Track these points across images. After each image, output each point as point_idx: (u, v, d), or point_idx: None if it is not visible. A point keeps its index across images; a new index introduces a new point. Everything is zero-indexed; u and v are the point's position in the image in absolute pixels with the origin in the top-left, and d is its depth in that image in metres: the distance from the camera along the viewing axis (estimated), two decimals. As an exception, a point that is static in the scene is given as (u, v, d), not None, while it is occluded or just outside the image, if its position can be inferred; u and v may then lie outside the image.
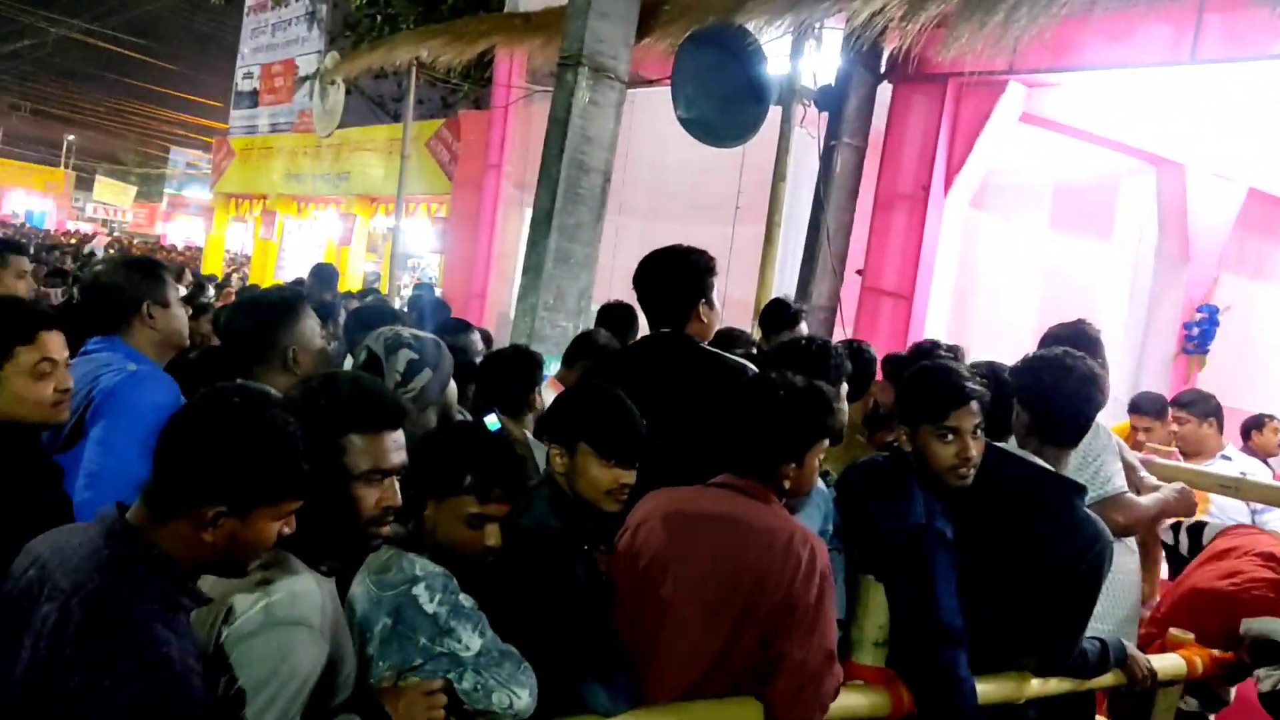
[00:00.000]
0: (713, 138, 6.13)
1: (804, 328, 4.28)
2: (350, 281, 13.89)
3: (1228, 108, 6.20)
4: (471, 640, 2.02)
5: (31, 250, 14.79)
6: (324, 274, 7.70)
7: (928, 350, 3.79)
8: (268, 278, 15.89)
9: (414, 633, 2.01)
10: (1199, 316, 7.36)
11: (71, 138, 39.61)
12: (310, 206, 17.11)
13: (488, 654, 2.03)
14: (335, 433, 1.89)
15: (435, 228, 13.78)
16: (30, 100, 35.46)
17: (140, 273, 2.99)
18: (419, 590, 2.03)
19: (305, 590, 1.81)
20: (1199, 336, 7.23)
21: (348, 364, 4.71)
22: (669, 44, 6.26)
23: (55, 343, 2.40)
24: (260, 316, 2.93)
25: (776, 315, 4.33)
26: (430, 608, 2.02)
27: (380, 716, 1.86)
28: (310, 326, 2.96)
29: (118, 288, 2.90)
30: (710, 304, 3.02)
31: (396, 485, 1.97)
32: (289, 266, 16.94)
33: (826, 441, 2.50)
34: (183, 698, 1.55)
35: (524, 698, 2.04)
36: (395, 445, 1.98)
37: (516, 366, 3.54)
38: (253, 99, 18.04)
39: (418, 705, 1.90)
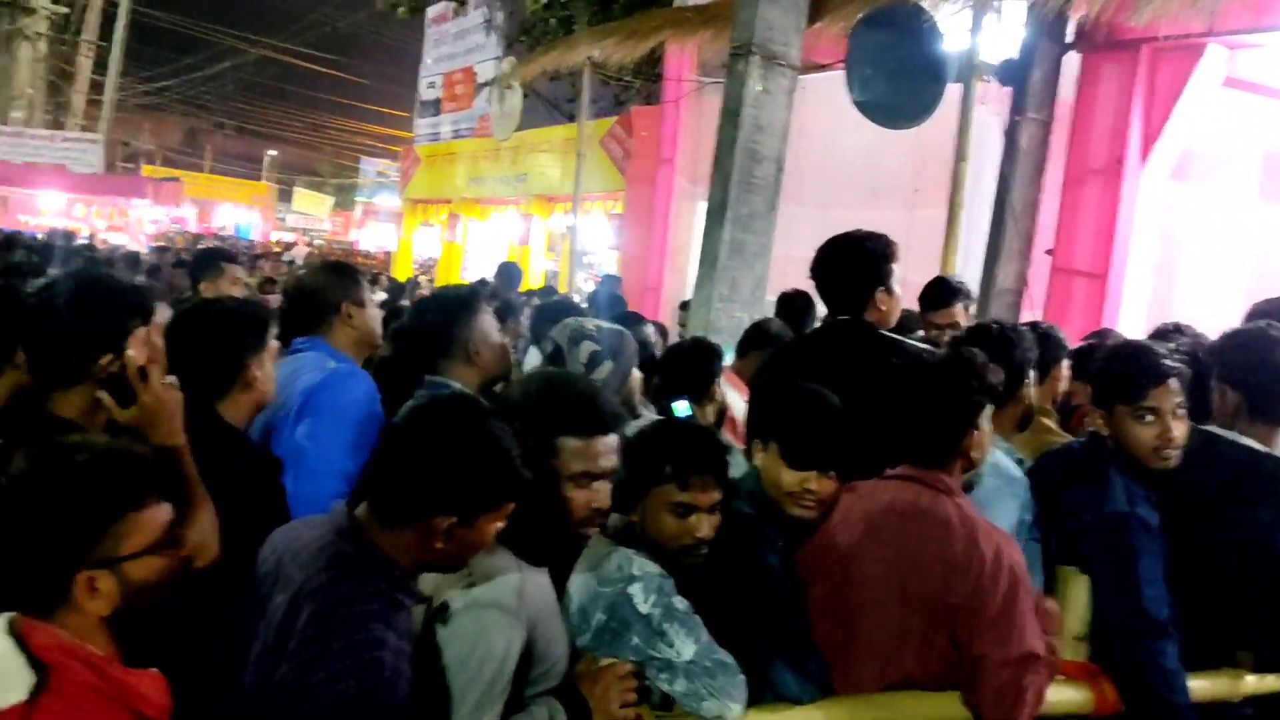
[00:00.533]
0: (889, 120, 5.98)
1: (960, 309, 4.11)
2: (531, 280, 14.27)
3: None
4: (684, 645, 2.04)
5: (243, 260, 15.87)
6: (509, 273, 7.96)
7: (1164, 334, 3.63)
8: (454, 279, 16.51)
9: (627, 631, 2.05)
10: None
11: (273, 153, 42.36)
12: (491, 209, 17.68)
13: (700, 661, 2.04)
14: (550, 435, 1.96)
15: (611, 224, 13.99)
16: (235, 119, 38.14)
17: (339, 275, 3.17)
18: (634, 589, 2.06)
19: (504, 576, 1.88)
20: None
21: (532, 356, 4.92)
22: (841, 27, 6.15)
23: (273, 347, 2.60)
24: (441, 314, 3.07)
25: (931, 295, 4.19)
26: (644, 608, 2.04)
27: (577, 700, 1.91)
28: (488, 321, 3.08)
29: (319, 290, 3.09)
30: (889, 290, 2.95)
31: (607, 488, 2.02)
32: (472, 267, 17.53)
33: (990, 406, 2.40)
34: (386, 699, 1.62)
35: (735, 710, 2.04)
36: (607, 449, 2.03)
37: (696, 358, 3.56)
38: (435, 107, 18.76)
39: (612, 689, 1.94)
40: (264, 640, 1.71)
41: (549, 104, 17.08)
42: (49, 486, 1.55)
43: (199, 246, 18.09)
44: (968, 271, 6.25)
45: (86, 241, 16.32)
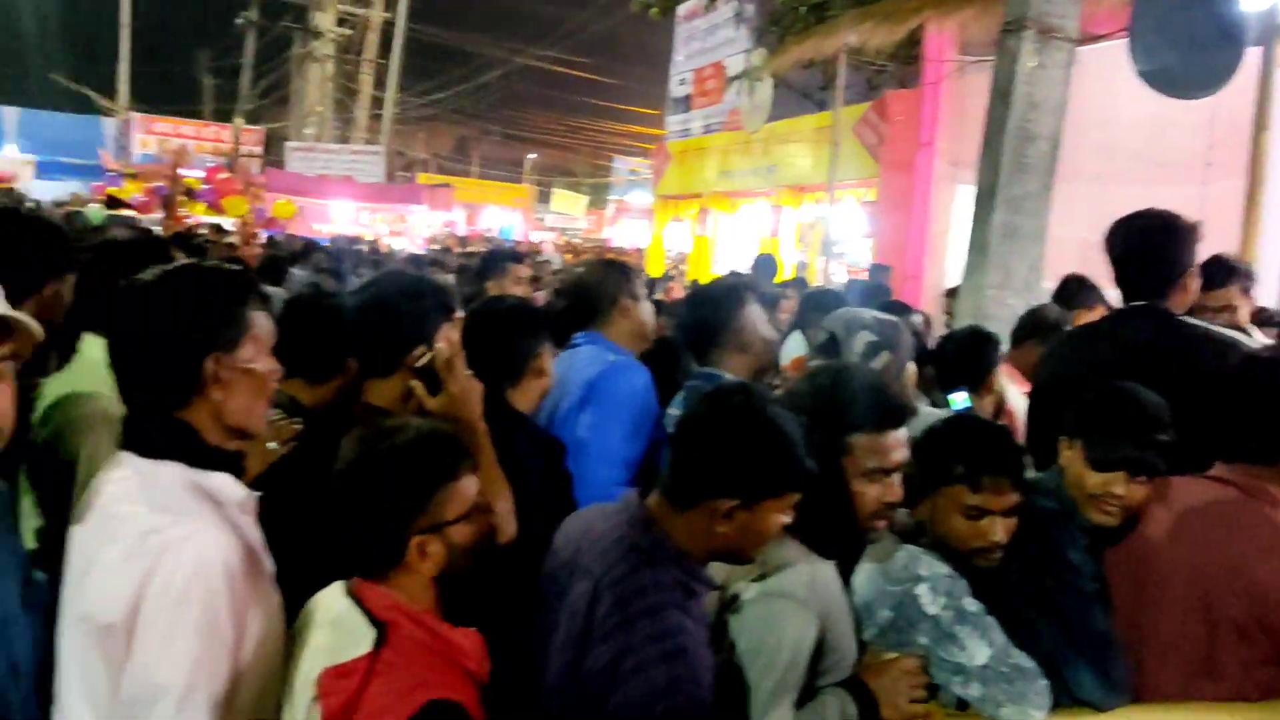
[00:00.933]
0: (1179, 89, 5.52)
1: (1236, 290, 3.66)
2: (782, 273, 14.20)
3: None
4: (976, 649, 1.98)
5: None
6: (765, 265, 7.97)
7: None
8: (704, 273, 16.70)
9: (913, 630, 2.02)
10: None
11: (532, 156, 44.36)
12: (740, 201, 17.74)
13: (995, 666, 1.97)
14: (841, 430, 1.96)
15: (864, 212, 13.70)
16: (500, 125, 40.26)
17: (616, 272, 3.30)
18: (921, 590, 2.03)
19: (795, 567, 1.90)
20: None
21: (791, 347, 4.92)
22: (1122, -6, 5.74)
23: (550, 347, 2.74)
24: (712, 305, 3.14)
25: (1205, 275, 3.76)
26: (931, 609, 2.01)
27: (864, 692, 1.90)
28: (757, 312, 3.12)
29: (598, 286, 3.22)
30: (1196, 274, 2.74)
31: (898, 482, 2.00)
32: (722, 261, 17.67)
33: None
34: (696, 684, 1.67)
35: (1036, 717, 1.96)
36: (898, 443, 2.02)
37: (973, 347, 3.43)
38: (686, 104, 19.02)
39: (900, 683, 1.92)
40: (567, 629, 1.79)
41: (799, 94, 16.91)
42: (382, 462, 1.71)
43: (467, 249, 19.26)
44: (1269, 251, 5.70)
45: (371, 245, 17.72)
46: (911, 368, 2.96)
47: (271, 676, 1.73)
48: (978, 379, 3.35)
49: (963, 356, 3.40)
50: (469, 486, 1.76)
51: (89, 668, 1.64)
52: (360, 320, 2.40)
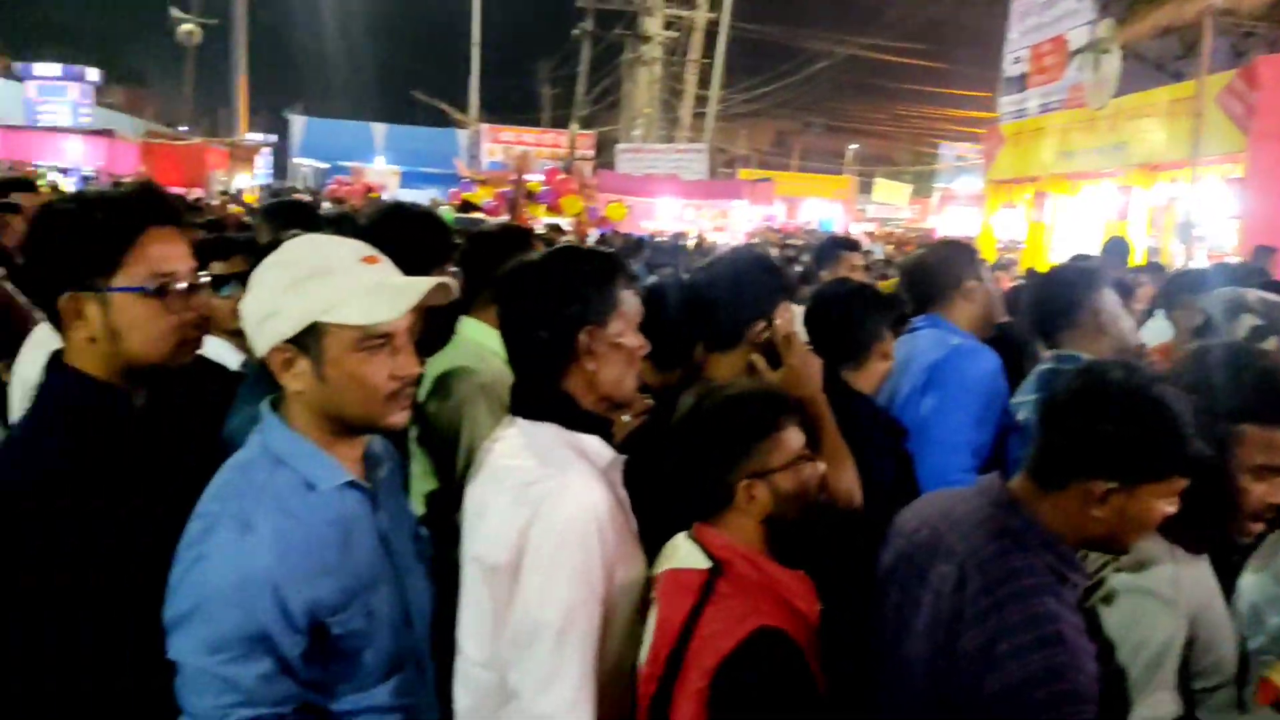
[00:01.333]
0: None
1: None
2: (1134, 257, 13.14)
3: None
4: None
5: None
6: (1118, 249, 7.44)
7: None
8: (1040, 260, 15.76)
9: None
10: None
11: (854, 146, 43.75)
12: (1082, 183, 16.57)
13: None
14: (1231, 419, 1.81)
15: (1229, 190, 12.37)
16: (822, 117, 40.02)
17: (960, 252, 3.20)
18: None
19: (1157, 564, 1.78)
20: None
21: (1154, 331, 4.56)
22: None
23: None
24: (1068, 287, 2.99)
25: None
26: None
27: None
28: (1110, 295, 2.95)
29: (941, 266, 3.15)
30: None
31: None
32: (1059, 248, 16.60)
33: None
34: (1077, 671, 1.59)
35: None
36: None
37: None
38: (1021, 83, 18.06)
39: None
40: (933, 610, 1.75)
41: (1152, 65, 15.54)
42: (710, 413, 1.90)
43: (786, 241, 19.34)
44: None
45: (696, 241, 18.24)
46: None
47: (634, 626, 1.86)
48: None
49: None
50: (792, 438, 1.90)
51: (479, 606, 1.84)
52: (703, 295, 2.52)
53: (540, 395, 1.88)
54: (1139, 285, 5.94)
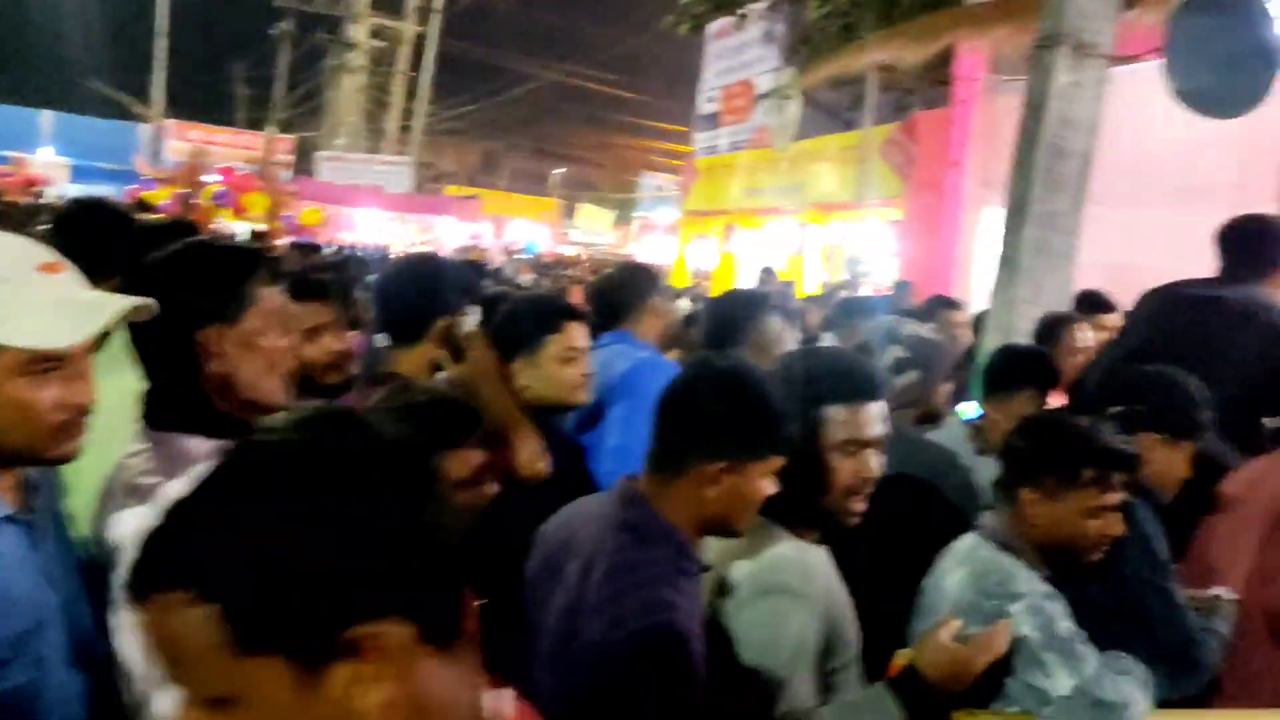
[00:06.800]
0: (1214, 109, 5.49)
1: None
2: (807, 289, 14.20)
3: None
4: (1060, 680, 1.92)
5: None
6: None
7: None
8: (728, 290, 16.68)
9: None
10: None
11: (559, 170, 44.58)
12: (766, 219, 17.76)
13: (1077, 699, 1.90)
14: (814, 403, 1.95)
15: (890, 231, 13.69)
16: (529, 139, 40.47)
17: (645, 271, 3.33)
18: (1017, 609, 1.97)
19: (786, 556, 1.89)
20: None
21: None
22: (1156, 15, 5.73)
23: (579, 332, 2.73)
24: (733, 307, 3.18)
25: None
26: (1024, 630, 1.95)
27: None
28: (774, 318, 3.15)
29: (627, 285, 3.26)
30: None
31: (873, 457, 1.98)
32: (745, 278, 17.70)
33: None
34: (681, 655, 1.65)
35: None
36: (874, 417, 2.00)
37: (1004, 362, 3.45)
38: (714, 120, 19.09)
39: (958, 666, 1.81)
40: (560, 604, 1.79)
41: (827, 113, 16.95)
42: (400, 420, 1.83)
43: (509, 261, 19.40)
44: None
45: (398, 254, 17.89)
46: (945, 389, 2.95)
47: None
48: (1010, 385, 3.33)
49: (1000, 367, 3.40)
50: (471, 456, 1.91)
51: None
52: (387, 293, 2.49)
53: (169, 401, 1.72)
54: (807, 312, 6.43)
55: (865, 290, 12.55)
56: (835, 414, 1.98)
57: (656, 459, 1.84)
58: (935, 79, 12.36)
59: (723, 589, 1.92)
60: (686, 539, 1.79)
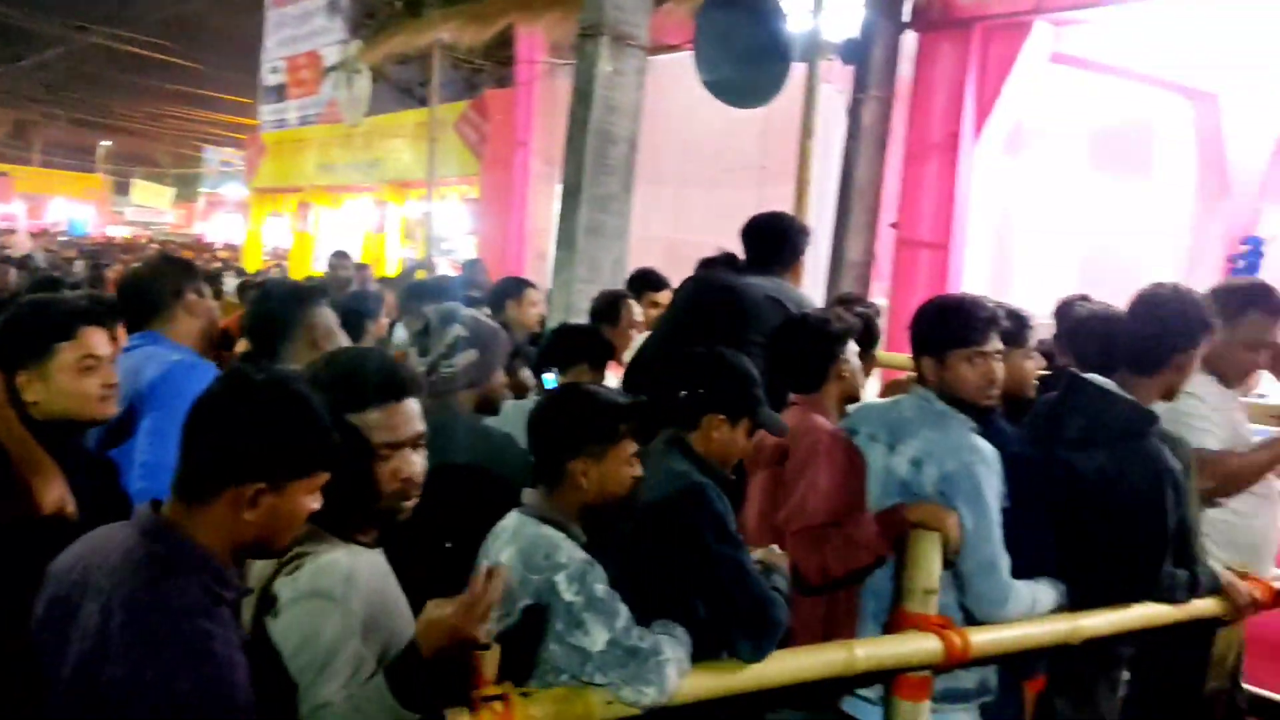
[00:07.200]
0: (738, 99, 6.08)
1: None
2: (389, 269, 14.00)
3: (1261, 33, 6.04)
4: (597, 636, 2.05)
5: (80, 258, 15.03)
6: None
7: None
8: (306, 269, 16.04)
9: (551, 617, 2.06)
10: (1244, 249, 7.22)
11: (106, 143, 40.12)
12: (344, 196, 17.24)
13: (612, 651, 2.05)
14: (345, 410, 1.88)
15: (467, 209, 13.83)
16: (67, 109, 35.91)
17: (176, 265, 3.06)
18: (560, 578, 2.06)
19: (330, 563, 1.82)
20: (1245, 269, 7.10)
21: (398, 336, 4.88)
22: (689, 8, 6.22)
23: (98, 338, 2.44)
24: (279, 301, 3.02)
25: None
26: (567, 596, 2.05)
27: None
28: (325, 311, 3.03)
29: (155, 281, 2.96)
30: None
31: (413, 456, 1.97)
32: (325, 258, 17.11)
33: None
34: (227, 689, 1.55)
35: (650, 694, 2.06)
36: (408, 415, 1.97)
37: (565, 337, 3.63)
38: (280, 93, 18.15)
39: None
40: (79, 650, 1.59)
41: (399, 88, 16.72)
42: None
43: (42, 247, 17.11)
44: (816, 246, 6.44)
45: None
46: (502, 378, 2.97)
47: None
48: (567, 362, 3.49)
49: (556, 345, 3.55)
50: None
51: None
52: None
53: None
54: (386, 294, 6.30)
55: (445, 269, 12.60)
56: (369, 418, 1.93)
57: (185, 482, 1.67)
58: (501, 58, 12.60)
59: (265, 603, 1.81)
60: (222, 564, 1.66)
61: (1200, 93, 7.06)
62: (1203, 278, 7.18)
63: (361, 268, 8.58)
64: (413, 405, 1.99)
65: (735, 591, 2.29)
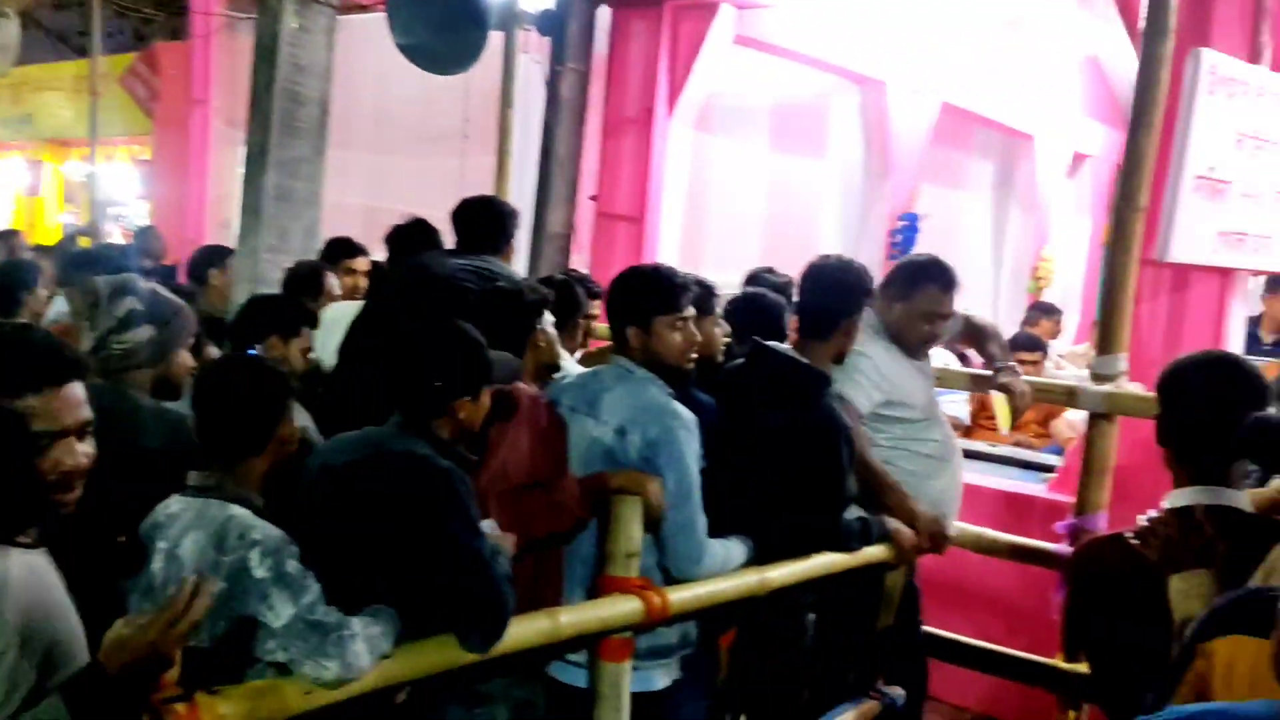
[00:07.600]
0: (434, 65, 5.94)
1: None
2: (48, 235, 12.64)
3: (922, 25, 6.66)
4: (282, 610, 1.98)
5: None
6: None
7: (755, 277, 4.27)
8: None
9: (246, 596, 1.99)
10: (901, 224, 7.95)
11: None
12: (-10, 154, 15.35)
13: (294, 625, 1.98)
14: (10, 395, 1.69)
15: (139, 171, 12.70)
16: None
17: None
18: (253, 554, 2.00)
19: None
20: (902, 243, 7.82)
21: (56, 310, 4.41)
22: (385, -34, 5.99)
23: None
24: None
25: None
26: (258, 573, 1.99)
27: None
28: None
29: None
30: None
31: (77, 446, 1.78)
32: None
33: None
34: None
35: (332, 669, 1.98)
36: (70, 402, 1.77)
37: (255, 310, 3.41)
38: (-96, 34, 15.81)
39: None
40: None
41: (56, 36, 15.05)
42: None
43: None
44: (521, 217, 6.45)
45: None
46: (184, 355, 2.73)
47: None
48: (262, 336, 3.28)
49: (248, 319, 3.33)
50: None
51: None
52: None
53: None
54: (42, 263, 5.68)
55: (115, 237, 11.51)
56: (26, 404, 1.70)
57: None
58: (174, 8, 11.62)
59: None
60: None
61: (868, 79, 7.66)
62: (868, 250, 7.91)
63: (12, 234, 7.64)
64: (77, 389, 1.78)
65: (474, 585, 2.24)
